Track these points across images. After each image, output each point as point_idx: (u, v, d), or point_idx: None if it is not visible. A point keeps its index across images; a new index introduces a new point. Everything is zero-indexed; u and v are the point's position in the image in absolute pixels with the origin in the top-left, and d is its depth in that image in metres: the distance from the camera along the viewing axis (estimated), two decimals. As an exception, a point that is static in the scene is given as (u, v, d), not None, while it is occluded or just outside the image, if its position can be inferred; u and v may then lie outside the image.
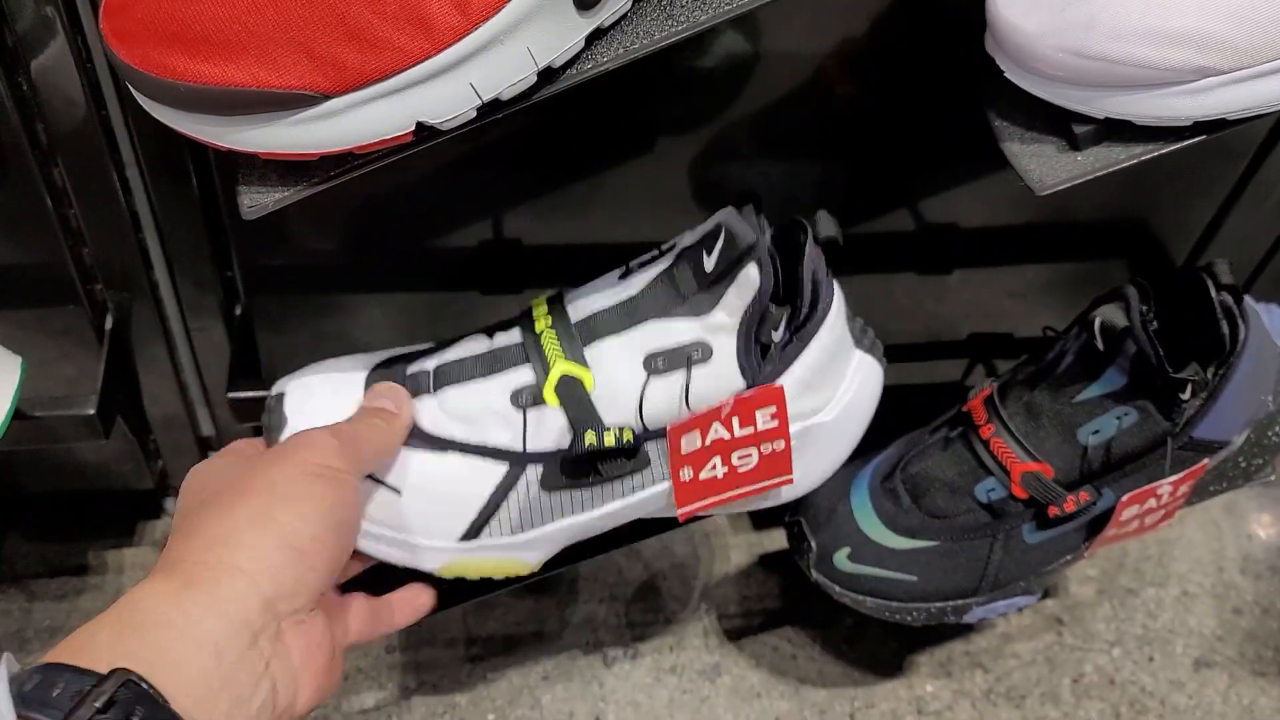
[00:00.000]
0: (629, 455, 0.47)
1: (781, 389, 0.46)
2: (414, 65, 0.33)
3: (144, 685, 0.32)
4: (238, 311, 0.60)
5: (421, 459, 0.47)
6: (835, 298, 0.48)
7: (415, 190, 0.56)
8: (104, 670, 0.32)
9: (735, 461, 0.47)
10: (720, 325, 0.45)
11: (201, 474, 0.44)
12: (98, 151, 0.50)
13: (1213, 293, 0.49)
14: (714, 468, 0.47)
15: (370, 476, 0.46)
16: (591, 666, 0.67)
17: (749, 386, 0.46)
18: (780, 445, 0.47)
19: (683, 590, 0.71)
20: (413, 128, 0.35)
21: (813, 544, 0.56)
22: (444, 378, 0.48)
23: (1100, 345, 0.49)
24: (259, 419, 0.63)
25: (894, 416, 0.63)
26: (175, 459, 0.68)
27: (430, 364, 0.49)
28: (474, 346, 0.49)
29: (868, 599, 0.56)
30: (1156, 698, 0.68)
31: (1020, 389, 0.54)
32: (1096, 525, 0.53)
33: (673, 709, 0.66)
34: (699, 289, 0.46)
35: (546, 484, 0.47)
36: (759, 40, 0.51)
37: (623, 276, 0.49)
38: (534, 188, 0.57)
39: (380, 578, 0.49)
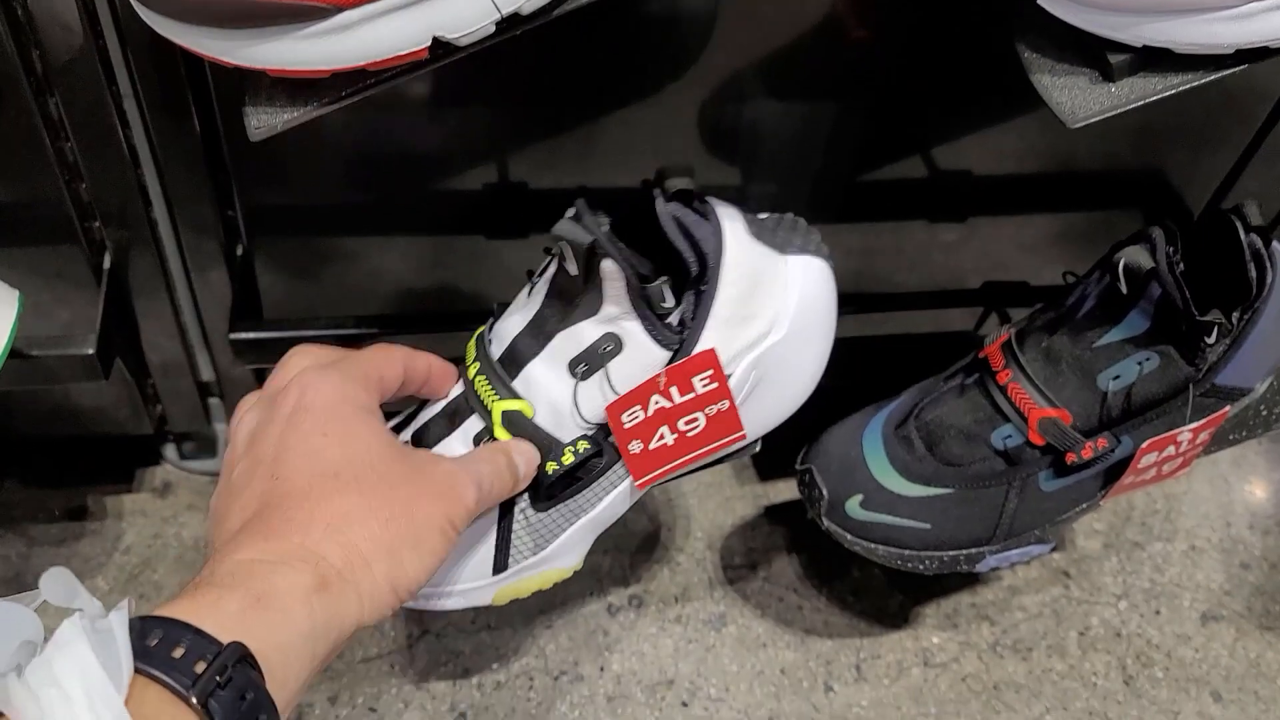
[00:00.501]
0: (598, 456, 0.49)
1: (713, 352, 0.46)
2: (431, -24, 0.32)
3: (257, 668, 0.33)
4: (239, 253, 0.59)
5: None
6: (724, 232, 0.47)
7: (420, 132, 0.55)
8: (224, 640, 0.32)
9: (683, 428, 0.48)
10: (617, 316, 0.47)
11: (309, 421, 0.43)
12: (95, 82, 0.49)
13: (1241, 235, 0.48)
14: (662, 437, 0.48)
15: None
16: (596, 616, 0.67)
17: (675, 355, 0.47)
18: (724, 405, 0.48)
19: (688, 542, 0.71)
20: (429, 43, 0.33)
21: (824, 491, 0.55)
22: (417, 444, 0.51)
23: (1124, 288, 0.48)
24: (260, 360, 0.62)
25: (906, 365, 0.63)
26: (174, 404, 0.67)
27: (406, 434, 0.52)
28: (432, 409, 0.52)
29: (880, 547, 0.55)
30: (1163, 651, 0.68)
31: (1039, 334, 0.53)
32: (1114, 473, 0.52)
33: (677, 658, 0.65)
34: (581, 293, 0.47)
35: (537, 505, 0.50)
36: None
37: (530, 292, 0.50)
38: (539, 131, 0.56)
39: None
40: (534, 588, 0.52)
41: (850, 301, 0.66)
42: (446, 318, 0.61)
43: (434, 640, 0.65)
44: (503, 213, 0.60)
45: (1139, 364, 0.49)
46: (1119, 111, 0.39)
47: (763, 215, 0.51)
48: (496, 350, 0.50)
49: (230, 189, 0.56)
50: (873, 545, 0.55)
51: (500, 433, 0.48)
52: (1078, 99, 0.40)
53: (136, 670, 0.31)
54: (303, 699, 0.61)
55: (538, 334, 0.49)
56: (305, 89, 0.35)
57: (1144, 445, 0.50)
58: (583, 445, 0.48)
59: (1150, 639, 0.69)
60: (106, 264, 0.56)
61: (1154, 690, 0.66)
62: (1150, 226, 0.49)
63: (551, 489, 0.49)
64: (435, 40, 0.33)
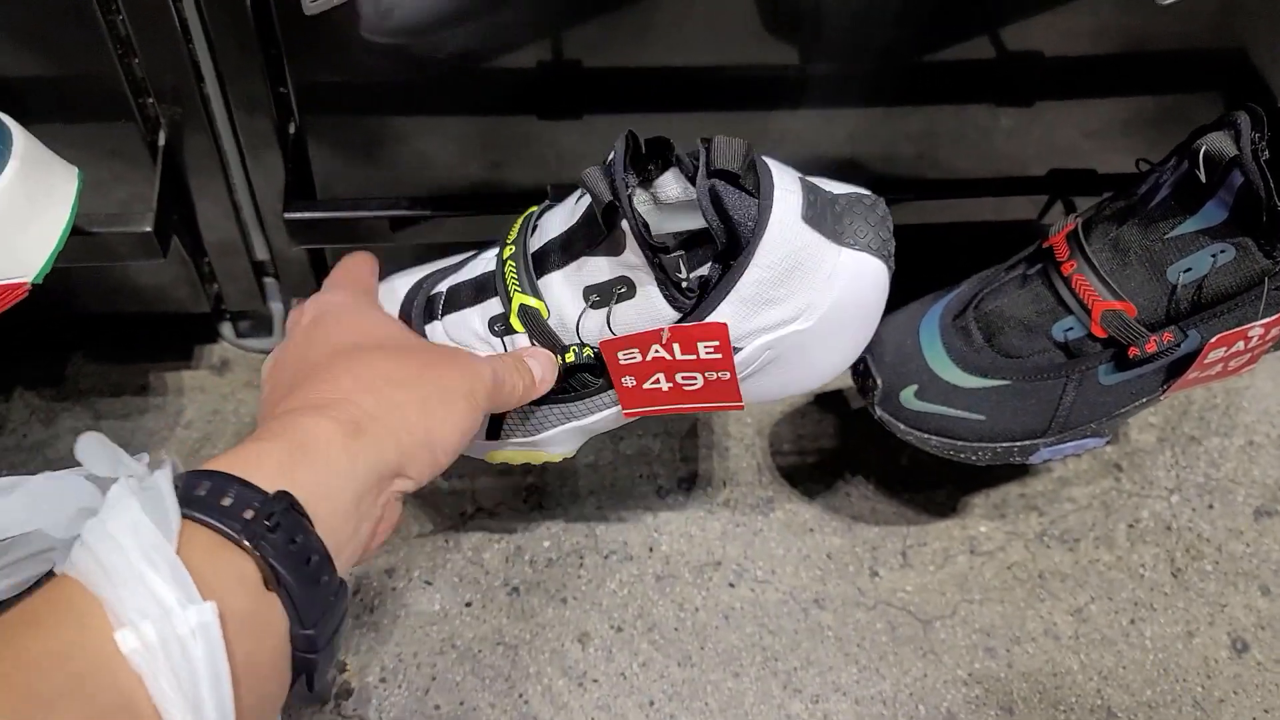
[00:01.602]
0: (595, 372, 0.50)
1: (724, 326, 0.45)
2: None
3: (304, 515, 0.34)
4: (291, 131, 0.59)
5: None
6: (771, 213, 0.45)
7: (473, 7, 0.54)
8: (270, 490, 0.33)
9: (680, 381, 0.49)
10: (633, 265, 0.46)
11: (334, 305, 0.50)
12: (145, -48, 0.48)
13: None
14: (658, 382, 0.49)
15: None
16: (645, 498, 0.68)
17: (683, 318, 0.46)
18: (726, 376, 0.48)
19: (737, 428, 0.71)
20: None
21: (878, 380, 0.55)
22: (448, 304, 0.53)
23: (1203, 176, 0.46)
24: (314, 240, 0.62)
25: (966, 254, 0.61)
26: (230, 283, 0.67)
27: (444, 286, 0.54)
28: (476, 267, 0.54)
29: (933, 438, 0.55)
30: (1213, 544, 0.68)
31: (1107, 224, 0.51)
32: (1177, 367, 0.51)
33: (725, 541, 0.66)
34: (610, 229, 0.46)
35: (535, 400, 0.50)
36: None
37: (577, 199, 0.50)
38: (594, 6, 0.54)
39: None
40: (524, 459, 0.55)
41: (909, 187, 0.65)
42: (498, 198, 0.61)
43: (487, 518, 0.66)
44: (555, 93, 0.58)
45: (1213, 256, 0.47)
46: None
47: (838, 188, 0.49)
48: (535, 243, 0.50)
49: (282, 65, 0.55)
50: (926, 435, 0.55)
51: (515, 322, 0.50)
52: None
53: (186, 517, 0.32)
54: (358, 569, 0.63)
55: (567, 249, 0.49)
56: (360, -40, 0.34)
57: (1212, 340, 0.48)
58: (588, 351, 0.49)
59: (1201, 532, 0.68)
60: (161, 141, 0.56)
61: (1201, 583, 0.66)
62: (1233, 111, 0.47)
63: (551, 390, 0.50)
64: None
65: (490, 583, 0.64)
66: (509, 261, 0.50)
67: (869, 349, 0.56)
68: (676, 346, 0.47)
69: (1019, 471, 0.70)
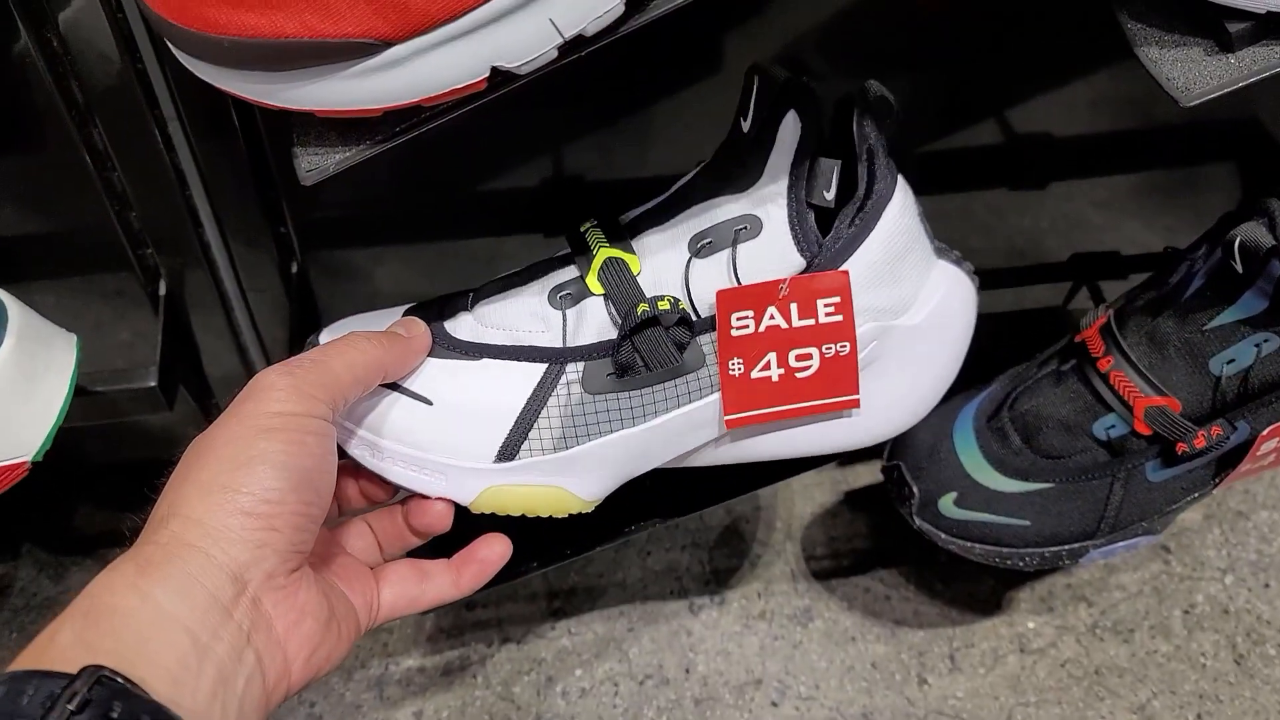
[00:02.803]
0: (680, 347, 0.43)
1: (846, 274, 0.41)
2: (486, 2, 0.29)
3: (118, 679, 0.31)
4: (294, 269, 0.58)
5: (454, 367, 0.44)
6: (900, 182, 0.44)
7: (471, 132, 0.53)
8: (74, 670, 0.30)
9: (793, 363, 0.43)
10: (767, 196, 0.42)
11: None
12: (137, 109, 0.47)
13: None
14: (768, 367, 0.43)
15: (398, 388, 0.43)
16: (678, 615, 0.65)
17: (808, 266, 0.42)
18: (845, 349, 0.43)
19: (767, 533, 0.69)
20: (487, 74, 0.31)
21: (915, 490, 0.52)
22: (481, 295, 0.46)
23: (1239, 267, 0.44)
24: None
25: (990, 349, 0.60)
26: (240, 422, 0.66)
27: (470, 293, 0.47)
28: (516, 270, 0.47)
29: (977, 546, 0.52)
30: (1274, 626, 0.65)
31: (1141, 316, 0.49)
32: (1229, 459, 0.49)
33: (764, 656, 0.64)
34: (740, 160, 0.42)
35: (589, 385, 0.43)
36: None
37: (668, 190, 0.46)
38: (592, 121, 0.53)
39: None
40: (525, 505, 0.44)
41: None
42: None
43: (515, 648, 0.64)
44: (559, 208, 0.57)
45: (1256, 346, 0.45)
46: (1241, 85, 0.36)
47: None
48: (626, 217, 0.46)
49: (280, 206, 0.54)
50: (969, 544, 0.52)
51: (593, 282, 0.43)
52: (1192, 73, 0.36)
53: None
54: (384, 708, 0.61)
55: (669, 209, 0.44)
56: (356, 128, 0.33)
57: (1264, 432, 0.46)
58: (682, 304, 0.42)
59: (1260, 614, 0.65)
60: (162, 290, 0.55)
61: (1267, 669, 0.63)
62: (1266, 199, 0.45)
63: (621, 363, 0.42)
64: (494, 70, 0.31)
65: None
66: (591, 230, 0.44)
67: (902, 455, 0.54)
68: (794, 307, 0.41)
69: (1063, 560, 0.67)
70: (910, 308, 0.45)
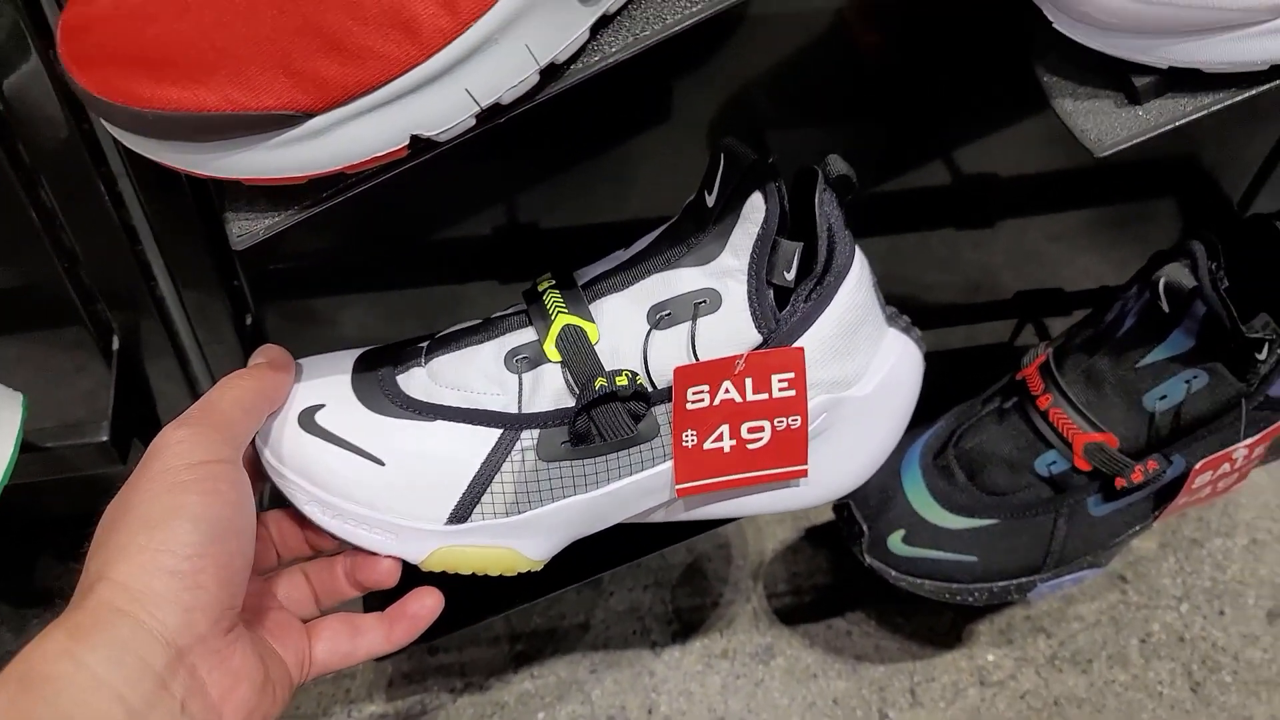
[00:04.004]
0: (635, 419, 0.43)
1: (801, 351, 0.42)
2: (402, 74, 0.30)
3: None
4: (248, 320, 0.58)
5: (406, 428, 0.43)
6: (857, 255, 0.44)
7: (423, 182, 0.53)
8: None
9: (745, 435, 0.43)
10: (728, 269, 0.42)
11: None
12: (84, 168, 0.47)
13: (1287, 243, 0.45)
14: (720, 439, 0.43)
15: (351, 448, 0.43)
16: (640, 656, 0.65)
17: (764, 342, 0.42)
18: (796, 422, 0.43)
19: (729, 572, 0.69)
20: (407, 142, 0.32)
21: (865, 529, 0.53)
22: (436, 348, 0.45)
23: (1165, 307, 0.45)
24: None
25: (938, 385, 0.60)
26: (199, 471, 0.66)
27: (424, 342, 0.46)
28: (472, 323, 0.47)
29: (926, 582, 0.53)
30: (1230, 653, 0.65)
31: (1078, 355, 0.50)
32: (1166, 493, 0.50)
33: (726, 695, 0.64)
34: (702, 232, 0.43)
35: (544, 452, 0.43)
36: (777, -3, 0.47)
37: (627, 248, 0.46)
38: (545, 170, 0.54)
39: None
40: (478, 565, 0.45)
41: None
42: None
43: (478, 693, 0.64)
44: (514, 256, 0.58)
45: (1186, 383, 0.46)
46: (1149, 136, 0.37)
47: None
48: (583, 276, 0.45)
49: (232, 259, 0.54)
50: (919, 581, 0.53)
51: (550, 349, 0.43)
52: (1103, 124, 0.37)
53: None
54: (349, 764, 0.61)
55: (630, 274, 0.44)
56: (285, 193, 0.34)
57: (1197, 466, 0.47)
58: (639, 379, 0.42)
59: (1215, 641, 0.66)
60: (115, 345, 0.55)
61: (1223, 696, 0.64)
62: (1189, 240, 0.46)
63: (577, 433, 0.42)
64: (414, 138, 0.31)
65: (484, 765, 0.61)
66: (549, 292, 0.44)
67: (851, 494, 0.55)
68: (749, 382, 0.42)
69: (1022, 592, 0.68)
70: (861, 378, 0.45)
